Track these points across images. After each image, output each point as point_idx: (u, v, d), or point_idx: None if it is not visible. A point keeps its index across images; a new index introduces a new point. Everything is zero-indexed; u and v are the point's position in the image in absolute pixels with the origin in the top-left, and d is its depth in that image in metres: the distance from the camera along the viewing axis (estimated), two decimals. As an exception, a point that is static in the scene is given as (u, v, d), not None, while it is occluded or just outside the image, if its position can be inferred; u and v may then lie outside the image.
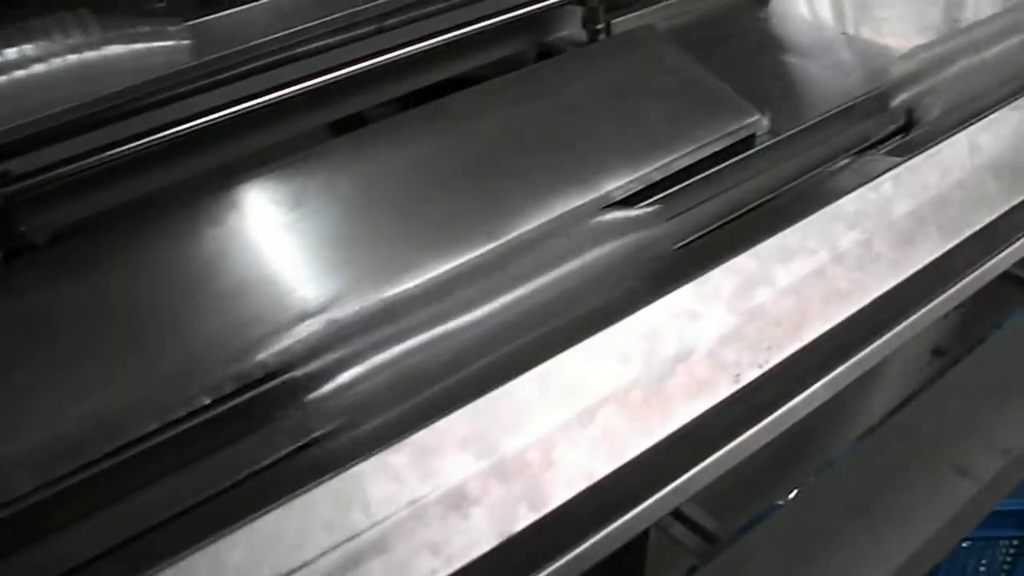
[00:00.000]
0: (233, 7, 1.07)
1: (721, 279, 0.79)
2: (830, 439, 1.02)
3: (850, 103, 1.14)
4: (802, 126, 1.14)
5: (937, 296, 0.80)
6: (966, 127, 0.92)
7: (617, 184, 1.05)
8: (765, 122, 1.17)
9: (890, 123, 1.16)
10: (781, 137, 1.12)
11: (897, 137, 1.16)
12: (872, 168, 1.08)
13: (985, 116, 0.95)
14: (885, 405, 1.03)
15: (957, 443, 0.87)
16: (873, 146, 1.15)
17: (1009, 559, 1.73)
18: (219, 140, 1.11)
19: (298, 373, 0.81)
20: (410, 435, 0.70)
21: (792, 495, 0.94)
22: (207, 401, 0.77)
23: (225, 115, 1.04)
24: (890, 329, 0.79)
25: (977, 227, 0.91)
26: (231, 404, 0.79)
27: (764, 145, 1.11)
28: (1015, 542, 1.70)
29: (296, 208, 0.95)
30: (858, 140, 1.14)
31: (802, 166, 1.10)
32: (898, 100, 1.17)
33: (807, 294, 0.82)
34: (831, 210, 0.85)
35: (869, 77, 1.27)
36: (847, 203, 0.85)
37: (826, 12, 1.54)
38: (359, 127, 1.17)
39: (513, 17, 1.20)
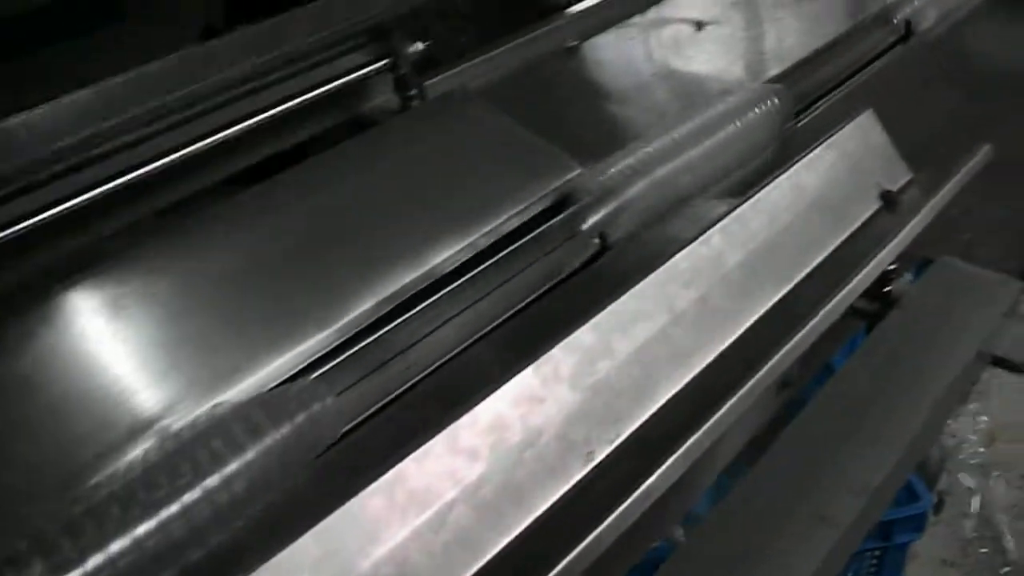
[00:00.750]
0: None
1: (561, 357, 0.76)
2: (689, 493, 1.00)
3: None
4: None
5: (782, 346, 0.78)
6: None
7: (446, 255, 1.02)
8: (585, 175, 1.15)
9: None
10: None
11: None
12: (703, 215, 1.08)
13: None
14: (735, 445, 1.02)
15: (815, 489, 0.86)
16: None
17: (872, 569, 1.76)
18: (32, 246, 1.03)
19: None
20: (262, 564, 0.64)
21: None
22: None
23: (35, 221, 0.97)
24: (742, 384, 0.76)
25: (809, 268, 0.91)
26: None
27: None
28: (877, 552, 1.73)
29: (116, 317, 0.88)
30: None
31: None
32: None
33: (650, 359, 0.79)
34: (666, 269, 0.83)
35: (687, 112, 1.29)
36: (680, 260, 0.83)
37: (637, 52, 1.55)
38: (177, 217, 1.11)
39: (320, 94, 1.15)
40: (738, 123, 1.22)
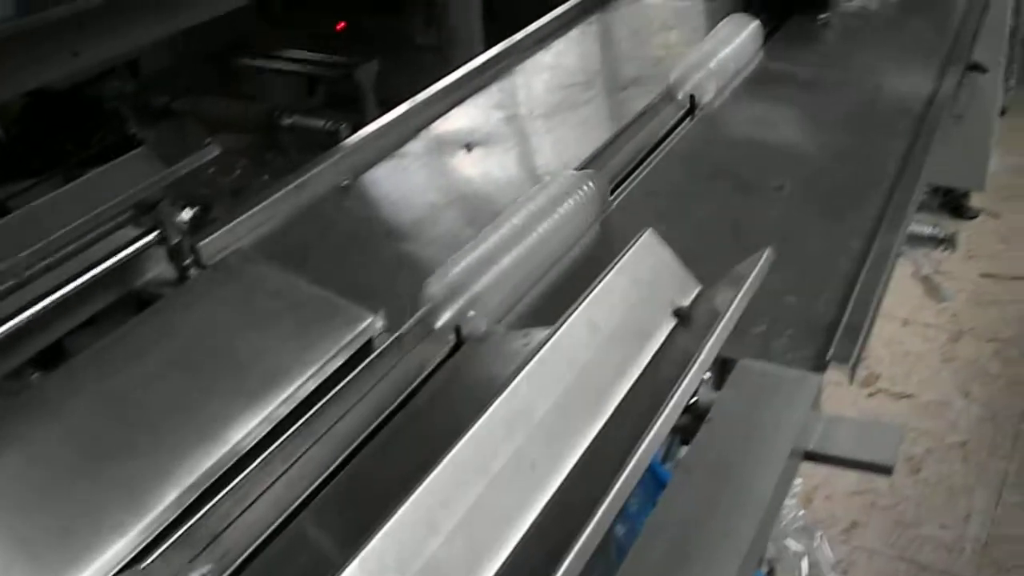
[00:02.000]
0: None
1: (384, 548, 0.71)
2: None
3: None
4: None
5: (605, 496, 0.76)
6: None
7: (243, 432, 0.97)
8: (380, 322, 1.12)
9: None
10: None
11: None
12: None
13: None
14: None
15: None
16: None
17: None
18: None
19: None
20: None
21: None
22: None
23: None
24: (572, 544, 0.73)
25: (617, 400, 0.90)
26: None
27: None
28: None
29: None
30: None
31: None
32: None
33: (474, 530, 0.75)
34: (478, 428, 0.80)
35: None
36: (492, 417, 0.80)
37: (410, 185, 1.54)
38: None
39: (95, 275, 1.09)
40: (561, 210, 1.33)
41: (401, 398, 1.08)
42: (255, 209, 1.33)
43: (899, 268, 3.30)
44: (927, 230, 2.90)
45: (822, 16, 2.27)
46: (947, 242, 2.90)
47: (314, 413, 1.01)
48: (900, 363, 2.95)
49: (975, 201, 3.72)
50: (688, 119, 1.74)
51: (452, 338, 1.16)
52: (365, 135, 1.62)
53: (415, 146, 1.64)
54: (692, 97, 1.74)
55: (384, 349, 1.08)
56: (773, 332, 1.21)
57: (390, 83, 3.43)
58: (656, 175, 1.58)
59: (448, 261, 1.22)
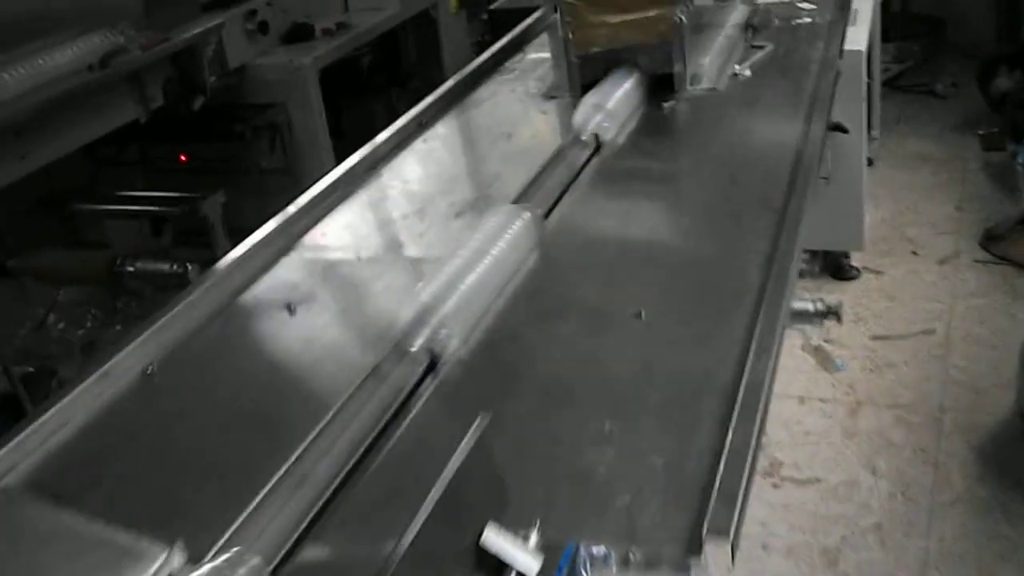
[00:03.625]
0: None
1: None
2: None
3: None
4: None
5: None
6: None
7: None
8: (178, 558, 0.91)
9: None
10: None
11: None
12: None
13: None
14: None
15: None
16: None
17: None
18: None
19: None
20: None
21: None
22: None
23: None
24: None
25: None
26: None
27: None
28: None
29: None
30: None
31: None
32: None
33: None
34: None
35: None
36: None
37: (223, 367, 1.34)
38: None
39: None
40: (507, 235, 1.51)
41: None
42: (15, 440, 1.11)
43: (787, 340, 3.19)
44: (809, 306, 2.77)
45: (667, 103, 2.14)
46: (832, 314, 2.78)
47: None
48: (801, 445, 2.81)
49: (855, 260, 3.64)
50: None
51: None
52: (175, 308, 1.41)
53: (231, 312, 1.44)
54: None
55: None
56: (638, 504, 1.03)
57: (240, 212, 3.24)
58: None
59: (416, 288, 1.38)
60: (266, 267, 1.53)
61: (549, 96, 2.28)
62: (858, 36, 3.31)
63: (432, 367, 1.28)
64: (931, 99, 5.08)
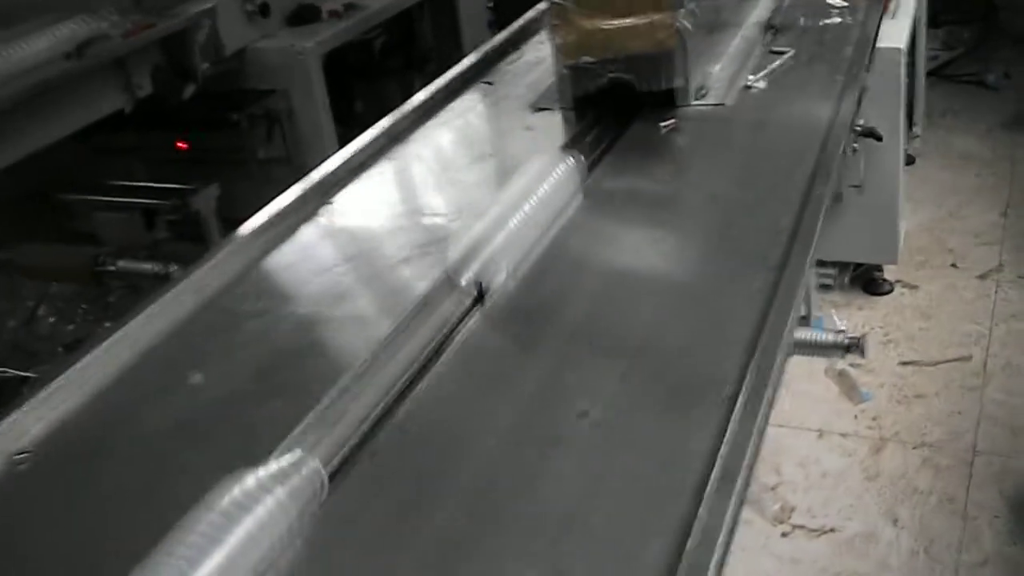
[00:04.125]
0: None
1: None
2: None
3: None
4: None
5: None
6: None
7: None
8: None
9: None
10: None
11: None
12: None
13: None
14: None
15: None
16: None
17: None
18: None
19: None
20: None
21: None
22: None
23: None
24: None
25: None
26: None
27: None
28: None
29: None
30: None
31: None
32: None
33: None
34: None
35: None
36: None
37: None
38: None
39: None
40: (552, 178, 1.54)
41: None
42: None
43: (811, 364, 2.94)
44: (829, 338, 2.52)
45: (665, 123, 1.90)
46: (855, 347, 2.54)
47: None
48: (817, 488, 2.56)
49: (889, 272, 3.37)
50: (476, 307, 1.34)
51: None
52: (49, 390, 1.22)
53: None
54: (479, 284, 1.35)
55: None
56: None
57: (237, 203, 3.04)
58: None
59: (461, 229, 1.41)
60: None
61: (538, 108, 2.05)
62: (898, 31, 3.03)
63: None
64: (981, 90, 4.75)
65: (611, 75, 1.94)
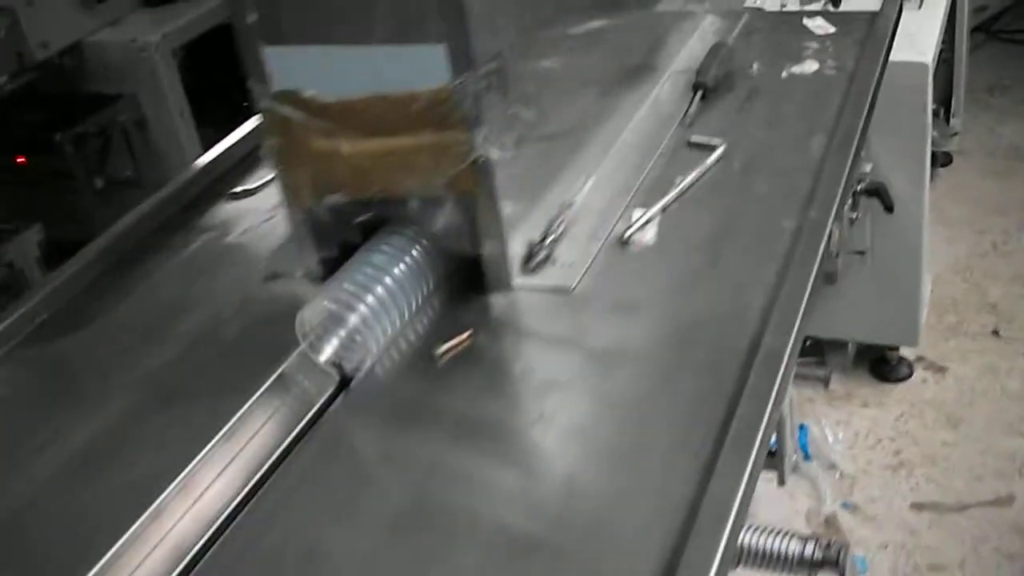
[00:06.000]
0: None
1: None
2: None
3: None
4: None
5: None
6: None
7: None
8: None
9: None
10: None
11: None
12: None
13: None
14: None
15: None
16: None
17: None
18: None
19: None
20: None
21: None
22: None
23: None
24: None
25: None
26: None
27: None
28: None
29: None
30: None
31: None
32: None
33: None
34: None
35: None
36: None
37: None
38: None
39: None
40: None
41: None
42: None
43: (791, 503, 2.10)
44: (792, 547, 1.66)
45: (447, 346, 1.02)
46: (830, 563, 1.68)
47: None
48: None
49: (908, 347, 2.49)
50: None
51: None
52: None
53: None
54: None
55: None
56: None
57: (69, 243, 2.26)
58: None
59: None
60: None
61: (272, 276, 1.19)
62: (926, 31, 2.09)
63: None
64: (1041, 55, 3.78)
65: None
